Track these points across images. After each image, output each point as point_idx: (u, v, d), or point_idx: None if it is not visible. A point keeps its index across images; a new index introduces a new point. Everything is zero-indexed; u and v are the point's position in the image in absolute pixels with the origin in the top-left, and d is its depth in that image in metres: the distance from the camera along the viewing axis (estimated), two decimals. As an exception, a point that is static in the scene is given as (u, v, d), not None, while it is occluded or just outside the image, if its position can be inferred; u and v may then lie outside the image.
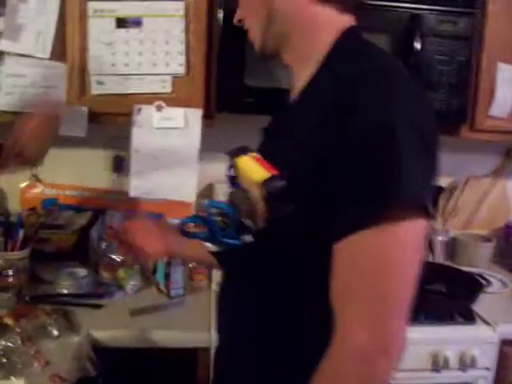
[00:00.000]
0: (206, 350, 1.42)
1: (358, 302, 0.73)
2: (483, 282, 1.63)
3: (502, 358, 1.54)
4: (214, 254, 1.11)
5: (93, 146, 1.87)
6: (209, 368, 1.42)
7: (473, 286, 1.54)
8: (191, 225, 0.90)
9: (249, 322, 0.93)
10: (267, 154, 0.85)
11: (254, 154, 0.86)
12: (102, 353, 1.33)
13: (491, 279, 1.78)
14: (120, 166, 1.94)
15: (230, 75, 1.60)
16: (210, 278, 1.79)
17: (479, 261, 1.90)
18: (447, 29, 1.59)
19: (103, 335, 1.38)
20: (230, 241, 0.83)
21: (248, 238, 0.83)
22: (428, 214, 0.73)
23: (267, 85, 1.60)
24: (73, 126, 1.59)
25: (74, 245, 1.71)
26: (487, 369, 1.52)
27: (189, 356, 1.44)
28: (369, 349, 0.71)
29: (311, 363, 0.79)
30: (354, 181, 0.73)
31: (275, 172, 0.78)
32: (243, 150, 0.89)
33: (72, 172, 1.94)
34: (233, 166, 0.90)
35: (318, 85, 0.86)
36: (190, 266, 1.75)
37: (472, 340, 1.50)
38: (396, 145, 0.70)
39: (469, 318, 1.53)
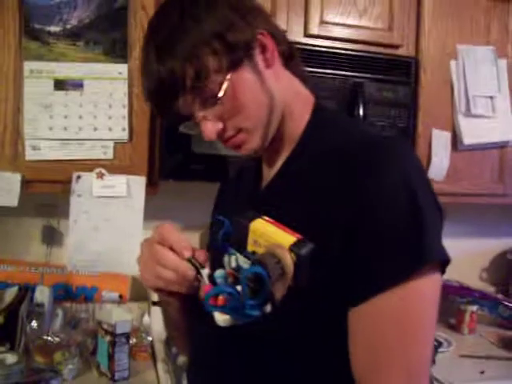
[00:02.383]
0: None
1: (389, 367, 0.70)
2: (436, 343, 1.64)
3: (458, 420, 1.54)
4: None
5: (19, 214, 1.71)
6: None
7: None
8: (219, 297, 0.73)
9: None
10: None
11: (267, 218, 0.77)
12: None
13: (438, 338, 1.80)
14: (50, 236, 1.79)
15: (176, 141, 1.55)
16: (154, 357, 1.67)
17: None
18: (387, 96, 1.65)
19: (45, 433, 1.21)
20: (253, 312, 0.68)
21: (268, 309, 0.69)
22: (444, 269, 0.74)
23: (215, 151, 1.56)
24: (3, 195, 1.44)
25: (0, 327, 1.51)
26: (446, 432, 1.51)
27: None
28: None
29: None
30: (378, 242, 0.71)
31: (299, 235, 0.70)
32: (254, 214, 0.82)
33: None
34: (242, 230, 0.77)
35: (313, 158, 0.82)
36: (131, 342, 1.61)
37: (432, 404, 1.49)
38: (418, 205, 0.70)
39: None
